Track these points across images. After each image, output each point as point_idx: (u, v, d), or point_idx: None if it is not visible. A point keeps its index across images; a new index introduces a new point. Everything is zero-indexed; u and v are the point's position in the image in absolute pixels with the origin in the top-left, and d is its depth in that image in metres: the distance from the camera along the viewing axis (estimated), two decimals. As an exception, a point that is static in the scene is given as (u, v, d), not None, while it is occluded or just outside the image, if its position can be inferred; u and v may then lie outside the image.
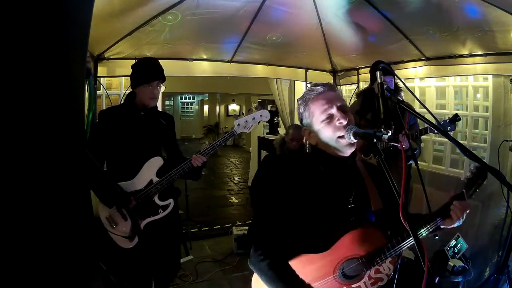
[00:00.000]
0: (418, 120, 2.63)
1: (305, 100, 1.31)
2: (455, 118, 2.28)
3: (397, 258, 1.25)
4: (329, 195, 1.25)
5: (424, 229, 1.20)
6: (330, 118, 1.23)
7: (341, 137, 1.21)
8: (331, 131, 1.23)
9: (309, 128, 1.31)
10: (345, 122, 1.21)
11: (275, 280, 1.18)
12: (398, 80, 2.71)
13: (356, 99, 3.03)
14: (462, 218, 1.16)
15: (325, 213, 1.24)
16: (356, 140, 1.19)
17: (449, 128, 2.31)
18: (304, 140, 1.26)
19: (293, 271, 1.21)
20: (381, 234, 1.24)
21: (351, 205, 1.27)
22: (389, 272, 1.23)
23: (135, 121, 2.06)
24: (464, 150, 0.98)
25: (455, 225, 1.17)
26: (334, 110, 1.24)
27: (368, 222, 1.29)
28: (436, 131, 2.46)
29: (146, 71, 2.07)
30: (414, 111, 1.09)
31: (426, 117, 1.24)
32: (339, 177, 1.29)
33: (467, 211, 1.17)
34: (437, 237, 1.30)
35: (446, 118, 2.41)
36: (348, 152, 1.25)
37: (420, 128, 2.56)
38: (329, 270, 1.21)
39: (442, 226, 1.19)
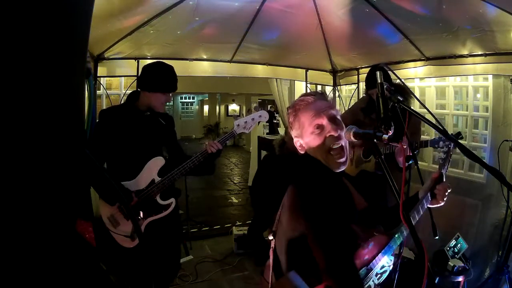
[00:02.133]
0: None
1: (295, 110, 1.26)
2: (457, 136, 2.24)
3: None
4: (342, 198, 1.21)
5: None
6: (321, 129, 1.19)
7: (331, 150, 1.17)
8: (321, 143, 1.18)
9: (299, 138, 1.26)
10: (336, 134, 1.17)
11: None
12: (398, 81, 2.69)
13: (364, 95, 3.00)
14: (446, 197, 1.36)
15: (344, 218, 1.17)
16: (352, 154, 1.18)
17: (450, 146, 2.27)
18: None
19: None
20: (383, 233, 1.24)
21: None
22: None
23: (137, 121, 2.07)
24: (464, 150, 0.98)
25: (440, 204, 1.36)
26: (324, 121, 1.19)
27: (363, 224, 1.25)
28: (437, 146, 2.40)
29: (166, 80, 2.05)
30: (416, 113, 1.08)
31: (426, 117, 1.24)
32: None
33: (449, 191, 1.37)
34: (437, 237, 1.32)
35: (449, 131, 2.36)
36: (337, 169, 1.19)
37: (421, 140, 2.51)
38: None
39: (429, 206, 1.37)
